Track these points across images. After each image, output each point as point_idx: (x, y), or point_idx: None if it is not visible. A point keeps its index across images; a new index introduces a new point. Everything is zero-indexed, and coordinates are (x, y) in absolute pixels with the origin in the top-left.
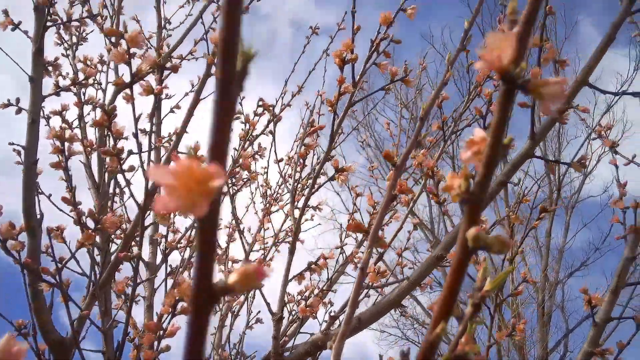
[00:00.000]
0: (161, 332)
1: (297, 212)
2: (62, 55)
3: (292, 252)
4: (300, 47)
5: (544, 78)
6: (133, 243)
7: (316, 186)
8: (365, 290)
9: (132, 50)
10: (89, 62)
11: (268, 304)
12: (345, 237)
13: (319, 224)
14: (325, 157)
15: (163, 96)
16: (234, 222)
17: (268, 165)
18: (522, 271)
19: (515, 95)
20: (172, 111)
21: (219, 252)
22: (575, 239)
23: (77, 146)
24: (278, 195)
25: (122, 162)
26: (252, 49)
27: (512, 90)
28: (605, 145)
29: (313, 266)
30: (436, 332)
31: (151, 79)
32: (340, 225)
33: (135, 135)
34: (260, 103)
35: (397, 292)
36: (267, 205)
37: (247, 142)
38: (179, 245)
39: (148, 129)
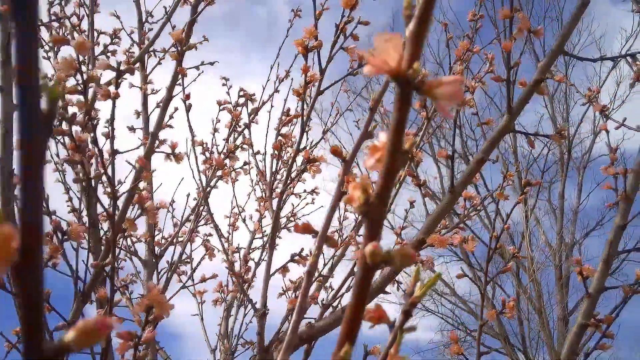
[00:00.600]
0: (136, 339)
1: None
2: (44, 57)
3: (271, 246)
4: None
5: (437, 78)
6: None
7: (290, 179)
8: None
9: (81, 57)
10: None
11: (252, 302)
12: (344, 220)
13: (321, 207)
14: (296, 149)
15: (149, 92)
16: (236, 209)
17: (265, 153)
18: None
19: (412, 98)
20: (158, 106)
21: (224, 241)
22: (589, 199)
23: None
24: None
25: (89, 174)
26: (60, 85)
27: (408, 93)
28: (596, 110)
29: (297, 258)
30: (340, 356)
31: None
32: (338, 208)
33: (95, 142)
34: (242, 93)
35: (379, 279)
36: (263, 194)
37: (235, 133)
38: (175, 241)
39: (136, 126)
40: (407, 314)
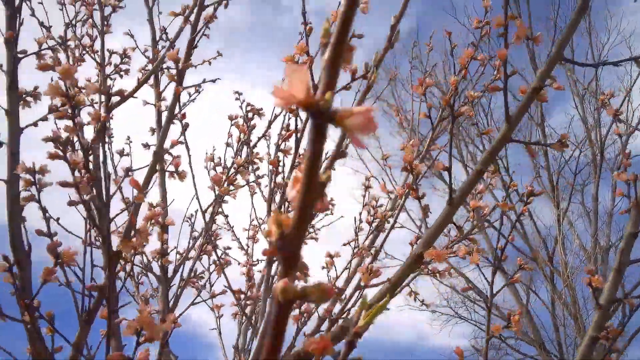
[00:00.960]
0: None
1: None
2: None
3: (269, 262)
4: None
5: (348, 108)
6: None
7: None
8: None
9: (68, 82)
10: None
11: (250, 319)
12: (359, 231)
13: (342, 216)
14: (292, 164)
15: (163, 108)
16: (255, 222)
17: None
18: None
19: (327, 129)
20: (173, 123)
21: (243, 255)
22: (623, 201)
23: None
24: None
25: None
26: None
27: (322, 125)
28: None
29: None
30: None
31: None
32: (354, 218)
33: (87, 167)
34: (249, 108)
35: (377, 294)
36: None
37: (246, 148)
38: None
39: (150, 143)
40: (350, 345)
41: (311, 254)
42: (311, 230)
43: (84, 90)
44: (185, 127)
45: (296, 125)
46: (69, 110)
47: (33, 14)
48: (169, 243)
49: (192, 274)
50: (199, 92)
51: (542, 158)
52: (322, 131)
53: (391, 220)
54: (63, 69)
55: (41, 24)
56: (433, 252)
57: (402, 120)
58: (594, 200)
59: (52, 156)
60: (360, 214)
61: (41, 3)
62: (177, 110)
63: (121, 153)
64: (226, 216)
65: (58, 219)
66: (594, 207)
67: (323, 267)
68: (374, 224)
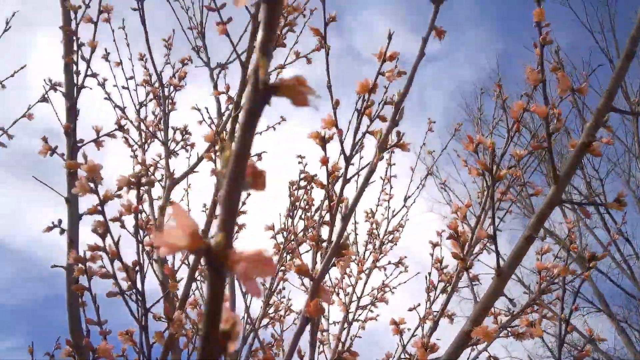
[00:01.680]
0: None
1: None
2: (131, 156)
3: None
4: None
5: (238, 252)
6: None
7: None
8: None
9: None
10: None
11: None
12: (430, 292)
13: (418, 273)
14: (325, 245)
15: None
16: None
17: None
18: None
19: (224, 270)
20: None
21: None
22: None
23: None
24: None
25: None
26: None
27: (217, 268)
28: None
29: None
30: None
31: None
32: (425, 277)
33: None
34: (302, 176)
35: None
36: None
37: (305, 215)
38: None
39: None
40: None
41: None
42: (387, 289)
43: (117, 181)
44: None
45: (328, 200)
46: (99, 207)
47: (108, 98)
48: None
49: None
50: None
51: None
52: (218, 274)
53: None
54: (89, 167)
55: (115, 105)
56: (480, 330)
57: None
58: None
59: (92, 248)
60: (430, 273)
61: (115, 86)
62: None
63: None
64: None
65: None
66: None
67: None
68: (439, 287)
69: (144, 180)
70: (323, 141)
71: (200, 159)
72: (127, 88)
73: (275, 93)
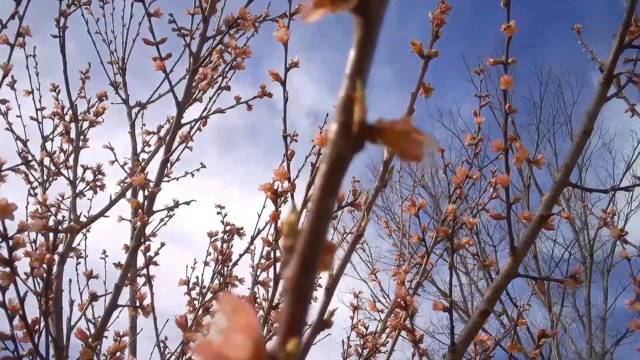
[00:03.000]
0: None
1: None
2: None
3: None
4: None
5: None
6: None
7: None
8: None
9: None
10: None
11: None
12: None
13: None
14: (268, 306)
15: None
16: None
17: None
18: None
19: None
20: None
21: None
22: (616, 304)
23: None
24: None
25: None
26: None
27: None
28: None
29: None
30: None
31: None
32: (342, 341)
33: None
34: (228, 228)
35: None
36: None
37: (226, 268)
38: None
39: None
40: None
41: None
42: None
43: (30, 225)
44: (148, 261)
45: (275, 259)
46: (6, 254)
47: (9, 128)
48: None
49: None
50: (171, 217)
51: (532, 260)
52: None
53: (383, 348)
54: (1, 206)
55: (17, 138)
56: None
57: (391, 232)
58: (587, 304)
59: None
60: (349, 337)
61: (19, 116)
62: (152, 232)
63: (89, 275)
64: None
65: None
66: (587, 310)
67: None
68: (364, 353)
69: (62, 227)
70: (275, 195)
71: (112, 202)
72: (36, 119)
73: (373, 139)
